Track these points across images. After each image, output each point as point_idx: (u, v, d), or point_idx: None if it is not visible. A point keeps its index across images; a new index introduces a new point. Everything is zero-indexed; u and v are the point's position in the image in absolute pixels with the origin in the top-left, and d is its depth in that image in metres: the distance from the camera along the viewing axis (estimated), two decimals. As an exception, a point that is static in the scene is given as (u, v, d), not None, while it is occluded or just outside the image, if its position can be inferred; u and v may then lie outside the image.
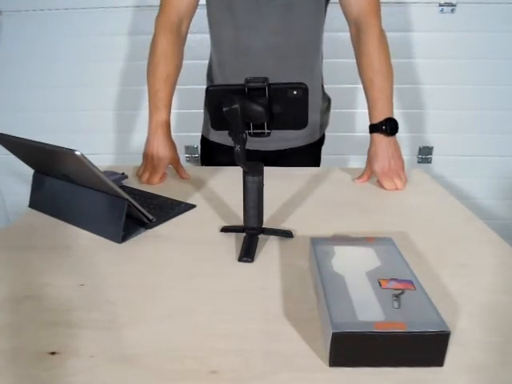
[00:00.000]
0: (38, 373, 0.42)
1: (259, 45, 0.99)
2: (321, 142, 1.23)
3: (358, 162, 1.96)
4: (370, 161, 0.97)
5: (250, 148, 1.12)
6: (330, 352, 0.42)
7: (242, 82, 0.62)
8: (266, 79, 0.61)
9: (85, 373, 0.42)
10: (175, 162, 1.02)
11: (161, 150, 0.98)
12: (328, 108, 1.22)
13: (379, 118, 0.94)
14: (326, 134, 1.24)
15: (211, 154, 1.21)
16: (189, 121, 1.85)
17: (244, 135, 0.61)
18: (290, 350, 0.45)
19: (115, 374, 0.42)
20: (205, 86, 1.14)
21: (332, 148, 1.90)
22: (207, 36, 1.07)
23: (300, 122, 0.65)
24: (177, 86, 1.03)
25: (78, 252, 0.67)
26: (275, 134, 0.99)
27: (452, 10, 1.75)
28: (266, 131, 0.66)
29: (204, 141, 1.23)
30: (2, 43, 1.87)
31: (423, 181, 1.00)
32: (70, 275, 0.60)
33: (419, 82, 1.86)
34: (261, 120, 0.64)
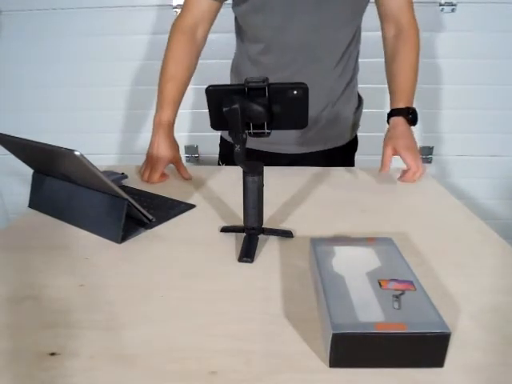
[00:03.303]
0: (37, 373, 0.42)
1: (292, 43, 0.98)
2: (352, 145, 1.19)
3: (359, 163, 1.96)
4: (391, 140, 0.94)
5: (269, 150, 1.11)
6: (330, 353, 0.42)
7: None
8: (266, 79, 0.61)
9: (84, 373, 0.42)
10: (176, 161, 1.01)
11: (161, 149, 0.98)
12: (359, 108, 1.17)
13: (403, 103, 0.96)
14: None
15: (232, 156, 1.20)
16: (189, 121, 1.86)
17: (244, 135, 0.61)
18: (290, 350, 0.45)
19: (115, 375, 0.42)
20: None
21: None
22: (212, 36, 1.07)
23: (300, 122, 0.65)
24: None
25: (77, 252, 0.67)
26: (292, 134, 0.91)
27: (452, 10, 1.75)
28: (266, 131, 0.66)
29: (224, 143, 1.21)
30: (2, 43, 1.87)
31: (423, 181, 0.99)
32: (70, 275, 0.60)
33: (419, 81, 1.85)
34: (261, 120, 0.63)
